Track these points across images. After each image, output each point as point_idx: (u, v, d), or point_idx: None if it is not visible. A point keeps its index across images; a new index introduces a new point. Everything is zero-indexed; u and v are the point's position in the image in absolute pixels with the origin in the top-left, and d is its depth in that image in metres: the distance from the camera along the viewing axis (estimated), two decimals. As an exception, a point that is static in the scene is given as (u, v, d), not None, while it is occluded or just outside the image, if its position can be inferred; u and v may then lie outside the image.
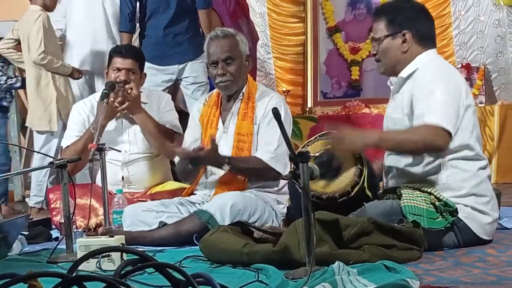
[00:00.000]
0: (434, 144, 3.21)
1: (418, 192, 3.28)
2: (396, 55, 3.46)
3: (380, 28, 3.49)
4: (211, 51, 4.06)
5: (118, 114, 4.53)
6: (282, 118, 3.09)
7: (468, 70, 6.77)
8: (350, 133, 3.29)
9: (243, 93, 4.11)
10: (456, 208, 3.25)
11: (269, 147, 3.95)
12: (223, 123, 4.14)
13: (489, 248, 3.27)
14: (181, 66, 5.61)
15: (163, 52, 5.55)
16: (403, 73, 3.44)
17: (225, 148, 4.01)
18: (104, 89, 4.34)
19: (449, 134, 3.21)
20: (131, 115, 4.54)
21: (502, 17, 6.96)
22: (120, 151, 4.41)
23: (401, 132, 3.32)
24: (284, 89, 7.26)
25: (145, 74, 4.68)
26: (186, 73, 5.62)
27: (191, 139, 4.17)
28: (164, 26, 5.57)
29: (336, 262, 2.79)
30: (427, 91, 3.28)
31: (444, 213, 3.24)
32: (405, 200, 3.23)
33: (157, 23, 5.59)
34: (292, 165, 3.04)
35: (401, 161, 3.43)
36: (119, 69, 4.49)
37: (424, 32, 3.46)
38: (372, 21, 3.58)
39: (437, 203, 3.24)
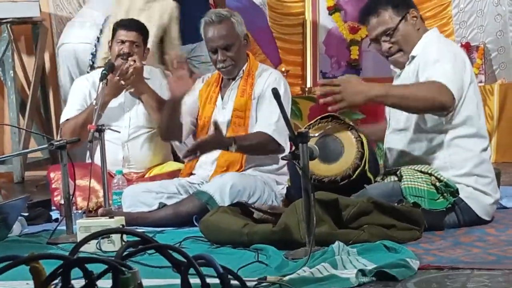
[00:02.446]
0: (440, 100, 3.16)
1: (418, 174, 3.27)
2: (415, 35, 3.43)
3: (387, 19, 3.43)
4: (208, 37, 4.05)
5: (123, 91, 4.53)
6: (281, 95, 3.10)
7: (467, 49, 6.73)
8: (356, 84, 3.16)
9: (243, 70, 4.12)
10: (457, 189, 3.25)
11: (270, 120, 3.96)
12: (222, 99, 4.14)
13: (488, 227, 3.28)
14: (193, 46, 5.60)
15: None
16: (414, 52, 3.41)
17: (223, 124, 4.01)
18: (103, 70, 4.32)
19: (453, 96, 3.19)
20: (133, 89, 4.54)
21: (502, -5, 6.93)
22: (119, 132, 4.39)
23: (407, 87, 3.26)
24: (283, 69, 7.24)
25: (149, 49, 4.67)
26: (197, 52, 5.61)
27: (188, 116, 4.14)
28: None
29: (336, 242, 2.80)
30: (433, 60, 3.28)
31: (445, 194, 3.24)
32: (406, 182, 3.22)
33: None
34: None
35: (403, 140, 3.42)
36: (122, 42, 4.49)
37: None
38: (367, 22, 3.48)
39: (438, 184, 3.24)
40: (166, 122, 4.09)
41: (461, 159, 3.32)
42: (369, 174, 3.31)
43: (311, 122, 3.52)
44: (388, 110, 3.57)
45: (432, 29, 3.48)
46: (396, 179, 3.31)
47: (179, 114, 4.05)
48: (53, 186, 4.43)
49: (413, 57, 3.41)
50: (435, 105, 3.19)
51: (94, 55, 6.20)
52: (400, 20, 3.42)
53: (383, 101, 3.28)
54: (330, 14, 7.44)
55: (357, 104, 3.18)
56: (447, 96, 3.17)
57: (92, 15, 6.39)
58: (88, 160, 4.60)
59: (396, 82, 3.53)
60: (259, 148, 3.97)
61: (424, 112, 3.27)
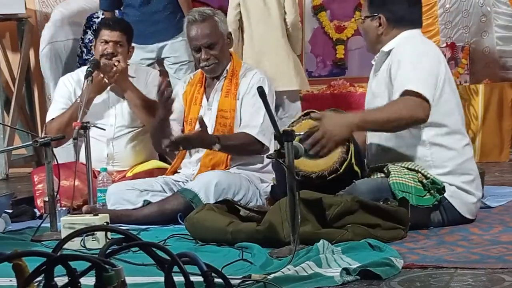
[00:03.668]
0: (415, 116, 3.20)
1: (406, 170, 3.28)
2: (374, 36, 3.50)
3: (364, 9, 3.55)
4: (191, 36, 4.06)
5: (108, 88, 4.52)
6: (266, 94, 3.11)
7: (453, 49, 6.76)
8: (332, 118, 3.23)
9: (227, 70, 4.12)
10: (444, 186, 3.26)
11: (256, 122, 3.97)
12: (207, 100, 4.14)
13: (472, 227, 3.29)
14: (160, 44, 5.56)
15: (141, 31, 5.41)
16: (385, 48, 3.45)
17: (208, 125, 4.01)
18: (88, 67, 4.31)
19: (429, 103, 3.21)
20: (118, 88, 4.53)
21: (487, -4, 6.95)
22: (104, 129, 4.38)
23: (381, 110, 3.29)
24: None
25: (133, 48, 4.65)
26: (167, 53, 5.59)
27: (173, 116, 4.14)
28: (139, 4, 5.51)
29: (321, 241, 2.80)
30: (406, 62, 3.28)
31: (432, 191, 3.25)
32: (394, 177, 3.23)
33: (130, 2, 5.53)
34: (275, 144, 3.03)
35: (385, 138, 3.42)
36: (106, 42, 4.47)
37: (401, 14, 3.45)
38: None
39: (424, 181, 3.25)
40: (157, 133, 4.06)
41: (444, 158, 3.33)
42: (356, 168, 3.30)
43: (294, 120, 3.53)
44: (367, 105, 3.59)
45: (409, 31, 3.47)
46: (383, 175, 3.32)
47: (169, 124, 4.03)
48: (36, 187, 4.40)
49: (385, 53, 3.44)
50: (413, 122, 3.24)
51: (80, 57, 6.19)
52: (367, 17, 3.50)
53: (362, 129, 3.38)
54: (316, 13, 7.45)
55: (343, 139, 3.23)
56: (423, 110, 3.20)
57: (65, 15, 6.40)
58: (67, 160, 4.59)
59: (373, 81, 3.54)
60: (243, 149, 3.99)
61: (404, 129, 3.29)
